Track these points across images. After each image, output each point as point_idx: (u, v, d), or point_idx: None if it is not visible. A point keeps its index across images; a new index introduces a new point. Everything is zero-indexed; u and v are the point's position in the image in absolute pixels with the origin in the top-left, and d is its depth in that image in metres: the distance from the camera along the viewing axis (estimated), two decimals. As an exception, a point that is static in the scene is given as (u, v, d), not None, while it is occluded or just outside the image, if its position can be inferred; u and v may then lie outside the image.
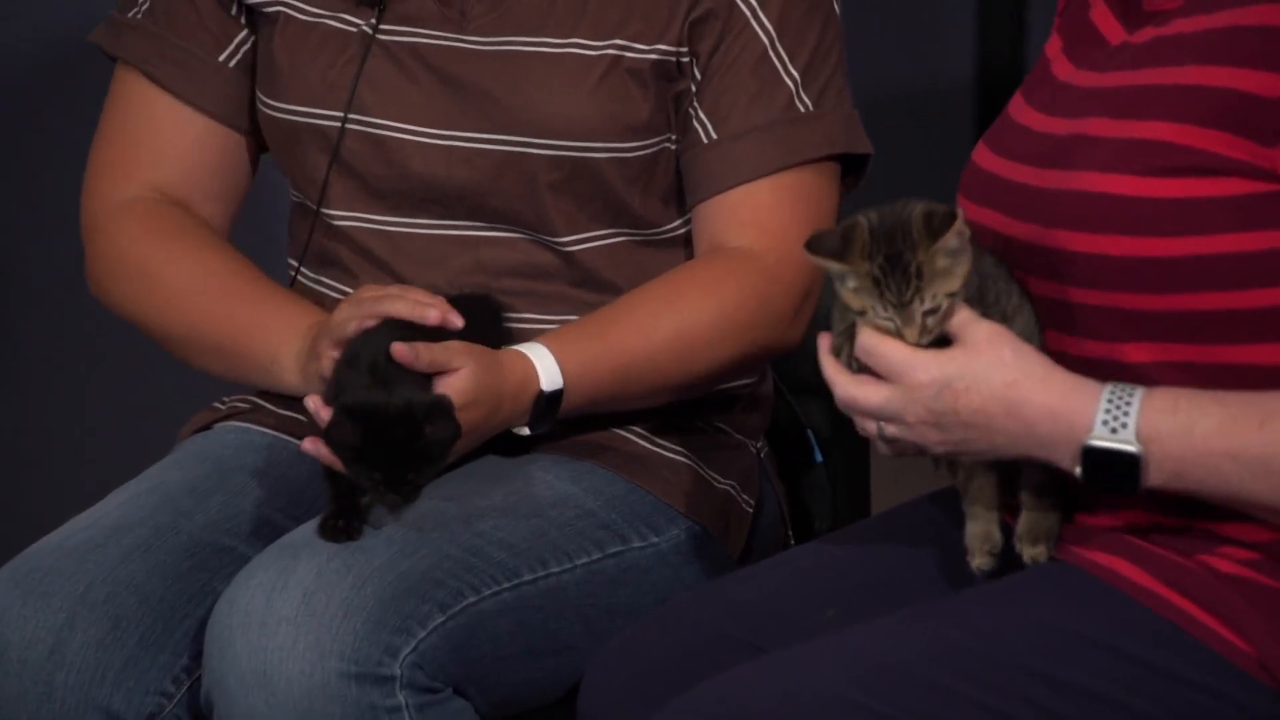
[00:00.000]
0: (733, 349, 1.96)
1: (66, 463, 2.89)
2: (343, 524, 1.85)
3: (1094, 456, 1.61)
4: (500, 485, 1.94)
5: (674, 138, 2.01)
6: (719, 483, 2.06)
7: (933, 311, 1.65)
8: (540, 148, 1.97)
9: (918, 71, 3.43)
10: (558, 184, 1.98)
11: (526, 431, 1.91)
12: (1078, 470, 1.62)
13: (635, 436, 2.04)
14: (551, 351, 1.90)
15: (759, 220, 1.98)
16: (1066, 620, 1.63)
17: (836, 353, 1.69)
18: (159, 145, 2.03)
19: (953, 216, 1.65)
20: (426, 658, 1.83)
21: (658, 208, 2.02)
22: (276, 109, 2.03)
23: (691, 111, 1.99)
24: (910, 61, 3.42)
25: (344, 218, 2.03)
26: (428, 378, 1.85)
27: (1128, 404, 1.61)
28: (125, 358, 2.70)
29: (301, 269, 2.08)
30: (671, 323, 1.94)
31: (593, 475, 1.99)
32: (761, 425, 2.12)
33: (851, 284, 1.66)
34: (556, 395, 1.89)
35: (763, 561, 1.85)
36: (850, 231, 1.66)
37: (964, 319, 1.65)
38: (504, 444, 1.98)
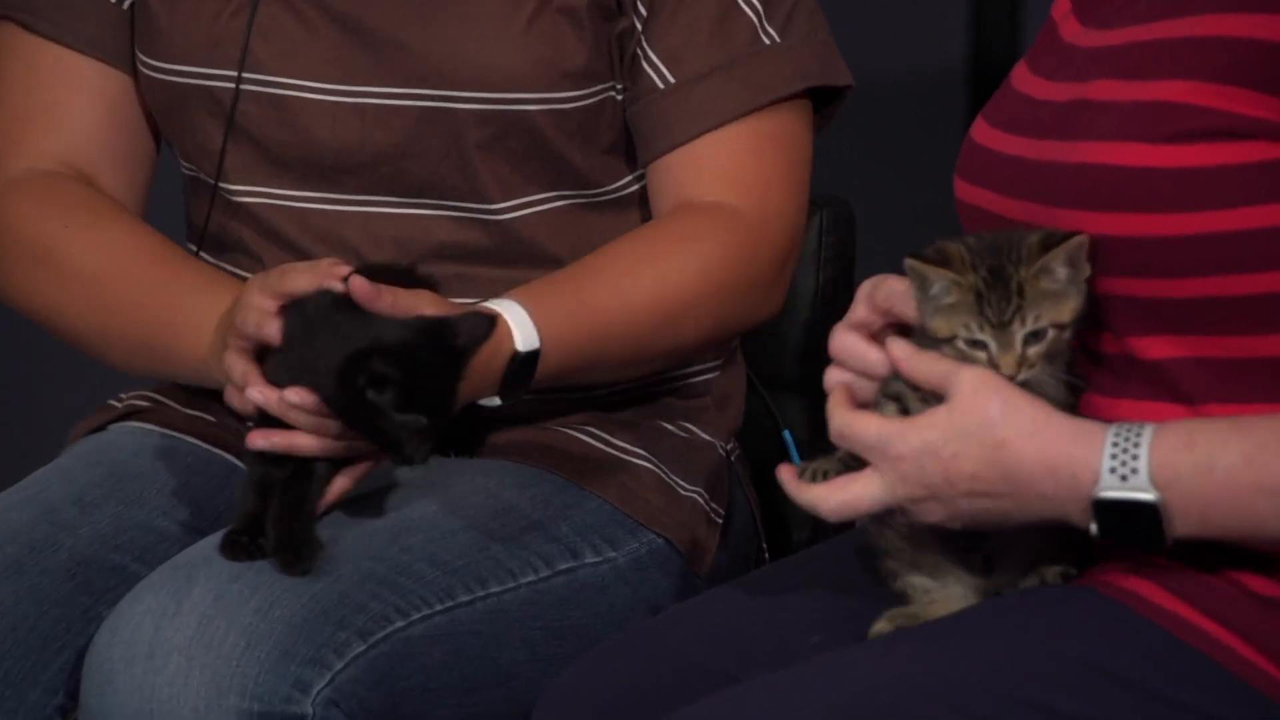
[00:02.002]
0: (715, 312, 1.82)
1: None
2: (246, 540, 1.68)
3: (1107, 510, 1.49)
4: (433, 494, 1.78)
5: (618, 86, 1.84)
6: (684, 489, 1.89)
7: (1035, 337, 1.53)
8: (464, 102, 1.81)
9: (909, 59, 3.34)
10: (487, 142, 1.82)
11: (496, 401, 1.75)
12: (1093, 527, 1.50)
13: (588, 438, 1.88)
14: (525, 308, 1.74)
15: (731, 172, 1.82)
16: (1076, 647, 1.51)
17: (800, 475, 1.58)
18: (50, 105, 1.86)
19: (1069, 236, 1.54)
20: (344, 693, 1.67)
21: (603, 164, 1.86)
22: (158, 70, 1.86)
23: (640, 53, 1.82)
24: (902, 48, 3.32)
25: (245, 193, 1.86)
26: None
27: (1136, 446, 1.49)
28: (8, 349, 2.49)
29: (200, 254, 1.91)
30: (650, 282, 1.80)
31: (540, 482, 1.83)
32: (732, 424, 1.97)
33: (950, 299, 1.54)
34: (532, 358, 1.73)
35: (735, 580, 1.71)
36: (945, 248, 1.55)
37: (947, 368, 1.53)
38: (453, 434, 1.80)
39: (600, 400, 1.89)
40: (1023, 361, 1.53)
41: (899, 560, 1.60)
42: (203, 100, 1.84)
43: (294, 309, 1.69)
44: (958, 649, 1.51)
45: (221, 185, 1.85)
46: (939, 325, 1.54)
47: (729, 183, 1.81)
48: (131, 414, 1.91)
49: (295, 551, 1.67)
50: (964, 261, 1.53)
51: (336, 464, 1.72)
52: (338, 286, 1.67)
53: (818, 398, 1.95)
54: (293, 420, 1.67)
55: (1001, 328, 1.52)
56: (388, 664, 1.68)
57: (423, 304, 1.68)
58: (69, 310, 1.82)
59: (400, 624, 1.70)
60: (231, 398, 1.72)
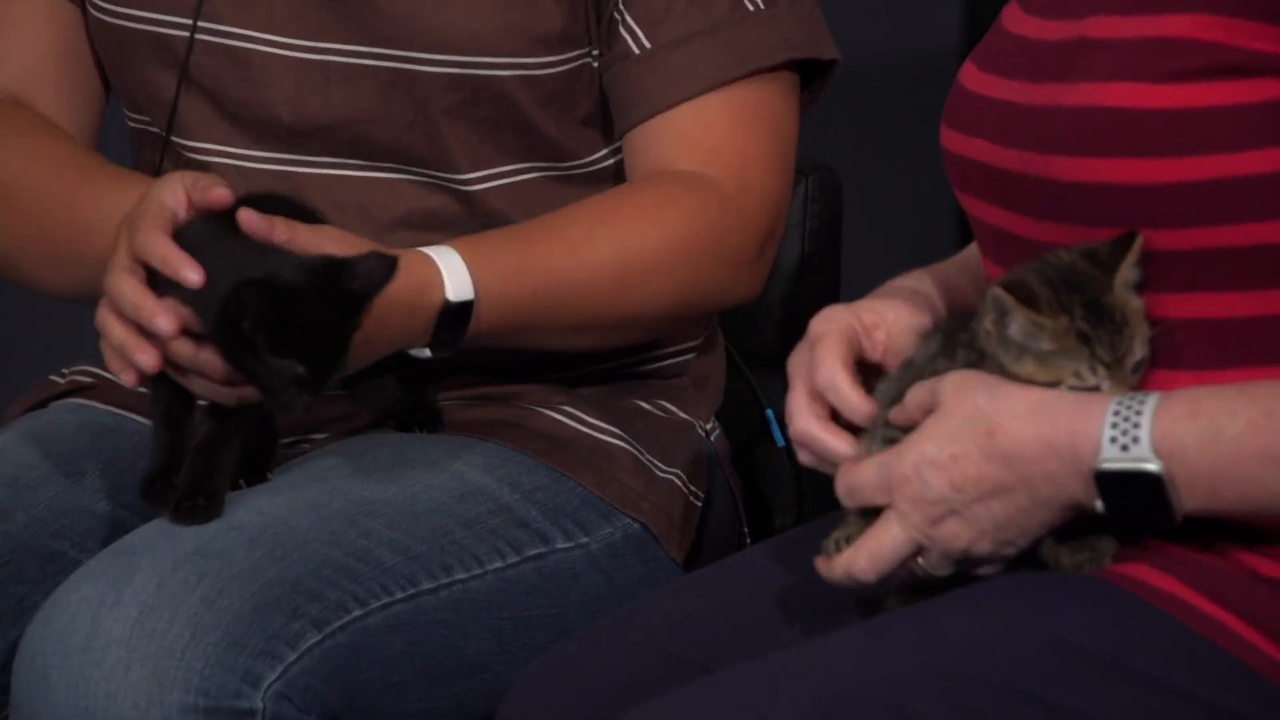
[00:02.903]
0: (681, 284, 1.73)
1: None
2: (203, 503, 1.59)
3: (1109, 483, 1.42)
4: (395, 474, 1.70)
5: (596, 52, 1.76)
6: (661, 471, 1.81)
7: (1139, 366, 1.45)
8: (432, 65, 1.73)
9: (903, 32, 3.30)
10: (455, 109, 1.74)
11: (426, 353, 1.67)
12: (1098, 504, 1.43)
13: (561, 416, 1.80)
14: (461, 256, 1.66)
15: (710, 143, 1.74)
16: (1071, 633, 1.44)
17: (826, 552, 1.50)
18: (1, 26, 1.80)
19: (1130, 239, 1.45)
20: (297, 686, 1.58)
21: (579, 135, 1.78)
22: (108, 13, 1.78)
23: (617, 17, 1.75)
24: (895, 21, 3.27)
25: (200, 150, 1.78)
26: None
27: (1138, 414, 1.42)
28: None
29: None
30: (609, 244, 1.71)
31: (509, 463, 1.75)
32: (712, 403, 1.89)
33: (1046, 345, 1.44)
34: (465, 309, 1.65)
35: (714, 565, 1.64)
36: (1029, 284, 1.45)
37: (929, 387, 1.47)
38: (416, 409, 1.72)
39: (573, 378, 1.81)
40: (1131, 389, 1.44)
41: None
42: (155, 49, 1.76)
43: (200, 228, 1.59)
44: (949, 638, 1.44)
45: (176, 139, 1.78)
46: (1033, 372, 1.44)
47: (706, 154, 1.74)
48: (75, 390, 1.83)
49: (196, 504, 1.59)
50: (1052, 303, 1.44)
51: (254, 423, 1.63)
52: (210, 203, 1.59)
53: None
54: (172, 352, 1.58)
55: (1119, 365, 1.43)
56: (344, 655, 1.60)
57: (325, 241, 1.58)
58: None
59: (358, 613, 1.62)
60: (103, 320, 1.60)
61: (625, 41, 1.74)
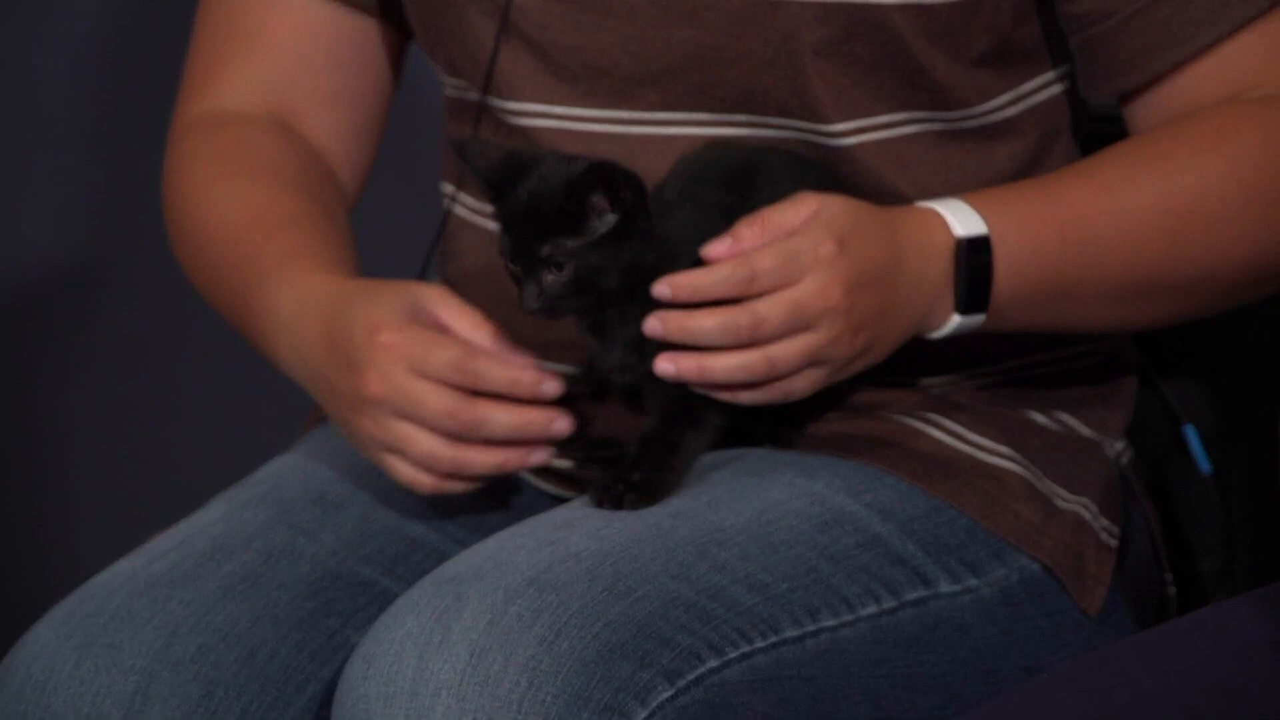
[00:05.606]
0: (1258, 230, 1.56)
1: (160, 464, 2.56)
2: (634, 495, 1.51)
3: None
4: (747, 498, 1.55)
5: None
6: (1064, 501, 1.64)
7: None
8: None
9: None
10: (825, 46, 1.57)
11: (956, 321, 1.52)
12: None
13: (936, 430, 1.63)
14: (959, 199, 1.55)
15: (1273, 70, 1.57)
16: None
17: None
18: (254, 36, 1.71)
19: None
20: None
21: (970, 78, 1.61)
22: None
23: None
24: None
25: (522, 112, 1.64)
26: None
27: None
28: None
29: (460, 195, 1.70)
30: (1152, 186, 1.56)
31: (880, 485, 1.59)
32: (1122, 418, 1.70)
33: None
34: (982, 245, 1.52)
35: (1167, 627, 1.43)
36: None
37: None
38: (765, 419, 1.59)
39: (949, 382, 1.64)
40: None
41: None
42: None
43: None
44: None
45: (492, 100, 1.64)
46: None
47: (1273, 79, 1.56)
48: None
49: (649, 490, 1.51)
50: None
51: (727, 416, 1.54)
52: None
53: (1225, 384, 1.68)
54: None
55: None
56: (701, 715, 1.45)
57: (786, 207, 1.50)
58: (188, 269, 1.69)
59: (714, 664, 1.47)
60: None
61: None
